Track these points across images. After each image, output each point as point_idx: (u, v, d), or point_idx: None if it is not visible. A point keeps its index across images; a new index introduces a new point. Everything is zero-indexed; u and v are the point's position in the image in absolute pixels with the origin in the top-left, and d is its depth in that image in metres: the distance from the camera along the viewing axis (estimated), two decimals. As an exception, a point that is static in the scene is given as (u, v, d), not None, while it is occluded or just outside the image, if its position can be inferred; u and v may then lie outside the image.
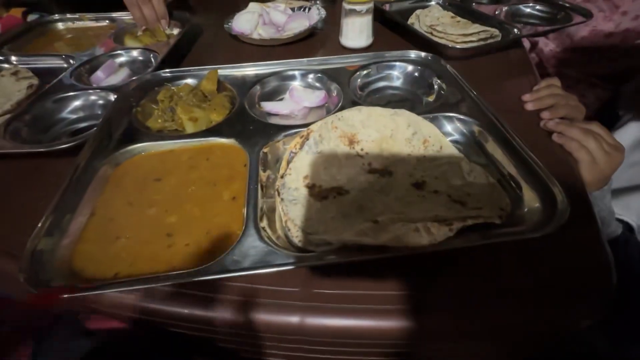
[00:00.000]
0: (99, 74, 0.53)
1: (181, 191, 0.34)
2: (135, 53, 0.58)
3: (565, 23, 0.57)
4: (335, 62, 0.48)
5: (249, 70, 0.49)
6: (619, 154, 0.37)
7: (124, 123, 0.41)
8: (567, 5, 0.60)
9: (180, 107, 0.43)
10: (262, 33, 0.59)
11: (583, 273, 0.27)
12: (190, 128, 0.41)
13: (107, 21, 0.71)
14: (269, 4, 0.66)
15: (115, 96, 0.45)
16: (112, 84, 0.51)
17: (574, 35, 0.66)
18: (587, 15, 0.56)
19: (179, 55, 0.59)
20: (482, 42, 0.52)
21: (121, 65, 0.57)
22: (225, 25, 0.63)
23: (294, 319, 0.25)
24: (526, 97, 0.43)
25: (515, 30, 0.54)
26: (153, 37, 0.62)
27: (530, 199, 0.29)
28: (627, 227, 0.44)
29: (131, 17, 0.63)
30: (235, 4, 0.69)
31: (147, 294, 0.27)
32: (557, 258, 0.27)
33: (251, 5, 0.65)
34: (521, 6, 0.64)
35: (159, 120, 0.43)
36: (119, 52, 0.58)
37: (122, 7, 0.63)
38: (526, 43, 0.72)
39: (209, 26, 0.69)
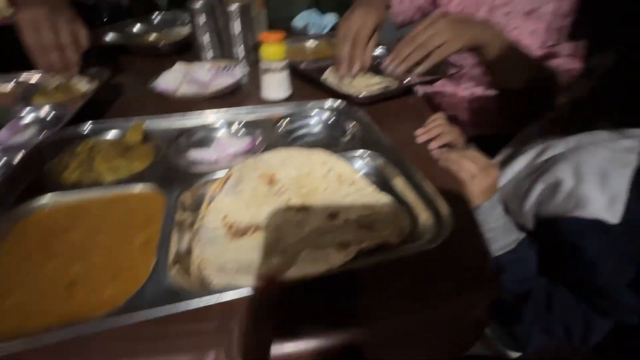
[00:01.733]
0: (4, 132, 0.50)
1: (89, 240, 0.32)
2: (45, 109, 0.55)
3: (444, 74, 0.70)
4: (260, 112, 0.53)
5: (175, 121, 0.50)
6: (494, 169, 0.46)
7: (30, 178, 0.38)
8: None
9: (100, 157, 0.42)
10: (186, 90, 0.62)
11: (470, 273, 0.31)
12: (109, 177, 0.40)
13: (12, 83, 0.67)
14: (195, 63, 0.71)
15: (22, 153, 0.43)
16: (18, 142, 0.48)
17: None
18: (457, 66, 0.70)
19: (98, 109, 0.58)
20: (382, 90, 0.62)
21: (29, 123, 0.54)
22: (150, 85, 0.65)
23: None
24: (419, 131, 0.52)
25: (405, 81, 0.65)
26: (67, 93, 0.60)
27: (425, 217, 0.34)
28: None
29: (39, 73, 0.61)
30: (161, 64, 0.72)
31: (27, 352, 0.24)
32: (449, 264, 0.32)
33: (177, 64, 0.68)
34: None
35: (75, 173, 0.41)
36: (26, 109, 0.55)
37: (25, 67, 0.60)
38: (449, 87, 0.85)
39: (133, 84, 0.69)
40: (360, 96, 0.57)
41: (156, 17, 1.07)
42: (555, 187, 0.44)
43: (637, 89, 0.39)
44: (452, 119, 0.83)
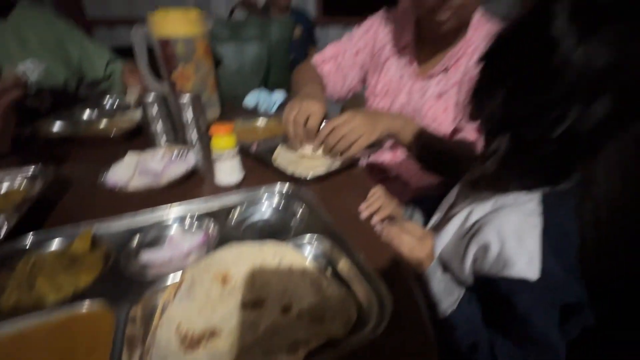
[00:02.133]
0: None
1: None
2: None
3: (380, 145, 0.79)
4: (212, 203, 0.55)
5: (126, 222, 0.51)
6: (429, 239, 0.52)
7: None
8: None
9: (42, 275, 0.40)
10: (139, 182, 0.64)
11: (411, 350, 0.34)
12: (52, 296, 0.39)
13: None
14: (147, 152, 0.73)
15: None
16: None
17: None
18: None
19: (41, 213, 0.57)
20: (329, 169, 0.68)
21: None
22: (100, 179, 0.65)
23: None
24: (361, 207, 0.57)
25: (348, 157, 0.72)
26: (5, 199, 0.58)
27: (369, 302, 0.37)
28: None
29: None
30: (112, 154, 0.73)
31: None
32: (393, 352, 0.35)
33: (128, 155, 0.70)
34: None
35: (14, 296, 0.39)
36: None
37: None
38: (387, 154, 0.94)
39: (82, 179, 0.68)
40: (309, 178, 0.63)
41: (107, 102, 1.10)
42: (485, 249, 0.50)
43: (530, 168, 0.47)
44: (396, 180, 0.92)
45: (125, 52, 2.94)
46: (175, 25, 0.86)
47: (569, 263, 0.46)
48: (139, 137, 0.88)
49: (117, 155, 0.72)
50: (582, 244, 0.47)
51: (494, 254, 0.48)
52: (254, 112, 1.09)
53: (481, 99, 0.46)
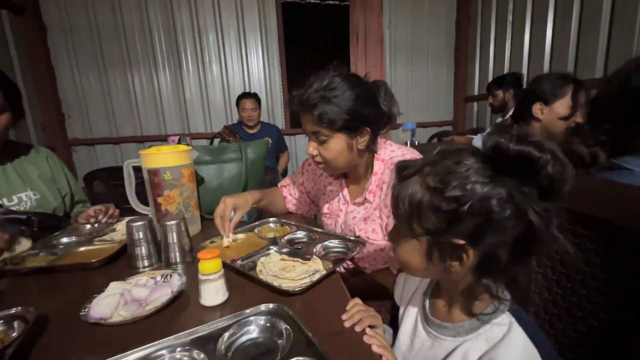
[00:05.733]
0: None
1: None
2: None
3: (354, 250, 0.88)
4: (201, 331, 0.57)
5: (112, 362, 0.50)
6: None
7: None
8: (353, 238, 0.95)
9: None
10: (123, 313, 0.64)
11: None
12: None
13: None
14: (130, 280, 0.75)
15: None
16: None
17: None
18: (364, 242, 0.91)
19: (18, 357, 0.54)
20: (311, 279, 0.74)
21: None
22: (81, 313, 0.65)
23: None
24: (343, 317, 0.61)
25: (331, 265, 0.80)
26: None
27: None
28: None
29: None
30: (94, 281, 0.74)
31: None
32: None
33: (111, 286, 0.71)
34: (327, 242, 0.96)
35: None
36: None
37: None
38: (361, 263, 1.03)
39: (61, 315, 0.67)
40: (297, 290, 0.68)
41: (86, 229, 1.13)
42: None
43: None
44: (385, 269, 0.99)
45: (106, 171, 3.06)
46: (166, 158, 0.99)
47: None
48: (121, 261, 0.90)
49: (98, 283, 0.72)
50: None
51: None
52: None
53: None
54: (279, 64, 3.54)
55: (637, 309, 0.55)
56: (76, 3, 3.01)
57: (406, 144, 2.63)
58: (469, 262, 0.48)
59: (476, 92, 3.80)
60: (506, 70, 3.25)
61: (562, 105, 1.31)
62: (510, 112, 2.35)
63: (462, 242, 0.47)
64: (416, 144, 2.60)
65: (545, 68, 2.87)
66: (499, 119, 2.65)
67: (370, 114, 0.91)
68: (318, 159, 0.95)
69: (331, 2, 3.65)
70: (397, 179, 0.54)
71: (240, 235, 1.03)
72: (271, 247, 0.93)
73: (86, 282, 0.81)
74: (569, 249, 0.44)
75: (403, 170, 0.53)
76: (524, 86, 2.62)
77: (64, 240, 1.03)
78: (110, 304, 0.66)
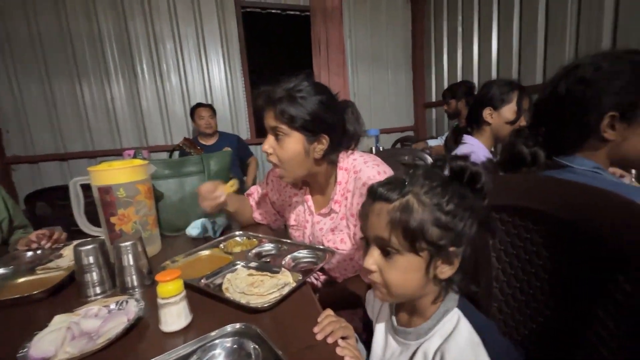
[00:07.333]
0: None
1: None
2: None
3: (323, 260, 0.87)
4: (164, 361, 0.52)
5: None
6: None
7: None
8: (322, 247, 0.94)
9: None
10: (70, 350, 0.57)
11: None
12: None
13: None
14: (79, 310, 0.67)
15: None
16: None
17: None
18: (334, 252, 0.90)
19: None
20: (281, 293, 0.71)
21: None
22: (19, 354, 0.57)
23: None
24: (315, 329, 0.60)
25: (300, 277, 0.78)
26: None
27: None
28: None
29: None
30: (35, 315, 0.66)
31: None
32: None
33: (55, 320, 0.63)
34: (296, 253, 0.94)
35: None
36: None
37: None
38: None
39: None
40: (266, 305, 0.66)
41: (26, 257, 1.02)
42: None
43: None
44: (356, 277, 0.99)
45: (51, 190, 2.80)
46: (118, 174, 0.92)
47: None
48: (69, 290, 0.81)
49: (40, 318, 0.65)
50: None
51: None
52: (196, 241, 1.11)
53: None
54: (241, 74, 3.49)
55: (584, 298, 0.60)
56: (13, 7, 2.75)
57: (371, 150, 2.70)
58: (457, 264, 0.54)
59: (434, 99, 4.01)
60: (460, 78, 3.47)
61: (508, 110, 1.42)
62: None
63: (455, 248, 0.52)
64: (381, 149, 2.67)
65: (494, 74, 3.10)
66: (456, 123, 2.82)
67: (332, 122, 0.92)
68: (273, 158, 0.93)
69: (292, 13, 3.69)
70: (382, 202, 0.53)
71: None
72: (237, 262, 0.89)
73: (26, 317, 0.72)
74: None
75: (384, 195, 0.53)
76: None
77: (0, 271, 0.91)
78: (54, 340, 0.59)
